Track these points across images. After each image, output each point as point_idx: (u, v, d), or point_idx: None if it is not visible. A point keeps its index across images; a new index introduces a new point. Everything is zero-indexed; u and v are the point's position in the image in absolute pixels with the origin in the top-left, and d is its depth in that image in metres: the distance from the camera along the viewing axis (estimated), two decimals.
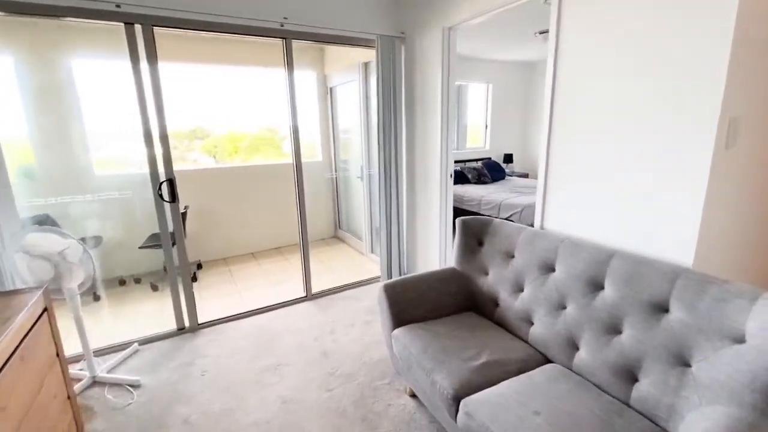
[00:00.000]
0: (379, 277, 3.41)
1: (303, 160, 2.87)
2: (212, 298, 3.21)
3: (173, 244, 2.57)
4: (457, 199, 4.69)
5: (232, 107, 4.27)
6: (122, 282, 3.58)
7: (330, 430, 1.76)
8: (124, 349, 2.43)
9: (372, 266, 3.84)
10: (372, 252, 4.07)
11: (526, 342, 1.79)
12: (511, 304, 1.89)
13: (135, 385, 2.10)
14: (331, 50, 4.29)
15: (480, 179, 5.31)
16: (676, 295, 1.34)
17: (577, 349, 1.59)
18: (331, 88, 4.46)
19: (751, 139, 1.50)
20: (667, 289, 1.36)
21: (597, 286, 1.58)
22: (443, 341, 1.72)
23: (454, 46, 2.62)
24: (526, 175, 6.33)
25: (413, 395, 1.97)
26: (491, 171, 5.48)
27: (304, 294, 3.11)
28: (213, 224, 4.14)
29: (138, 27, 2.22)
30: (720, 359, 1.18)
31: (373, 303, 2.99)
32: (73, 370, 2.18)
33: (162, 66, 2.30)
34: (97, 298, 3.26)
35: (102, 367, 2.22)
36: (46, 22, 3.01)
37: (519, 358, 1.64)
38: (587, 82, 1.74)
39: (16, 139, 3.15)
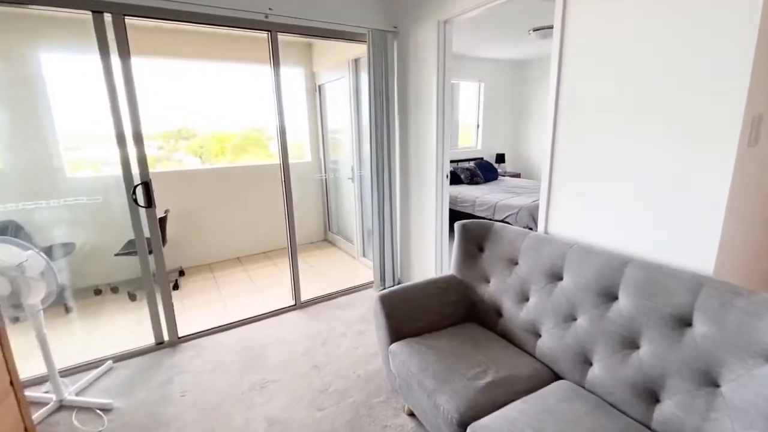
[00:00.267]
0: (371, 282, 3.27)
1: (291, 160, 2.71)
2: (195, 308, 3.02)
3: (150, 251, 2.39)
4: (451, 200, 4.56)
5: (217, 106, 4.07)
6: (98, 291, 3.36)
7: None
8: (96, 367, 2.23)
9: (364, 271, 3.69)
10: (364, 256, 3.92)
11: (533, 356, 1.67)
12: (516, 315, 1.76)
13: (107, 409, 1.92)
14: (320, 46, 4.12)
15: (473, 179, 5.20)
16: (700, 307, 1.23)
17: (590, 364, 1.47)
18: (319, 86, 4.30)
19: None
20: (689, 300, 1.26)
21: (610, 297, 1.46)
22: (445, 357, 1.59)
23: (450, 40, 2.49)
24: (518, 175, 6.26)
25: (411, 414, 1.83)
26: (484, 171, 5.38)
27: (293, 302, 2.94)
28: (197, 228, 3.93)
29: (108, 16, 2.03)
30: (754, 380, 1.07)
31: (366, 311, 2.85)
32: (38, 393, 1.98)
33: (143, 62, 2.15)
34: (68, 310, 3.04)
35: (70, 389, 2.02)
36: (9, 11, 2.79)
37: (527, 375, 1.52)
38: (596, 79, 1.63)
39: None
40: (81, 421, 1.84)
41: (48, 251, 2.96)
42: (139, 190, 2.22)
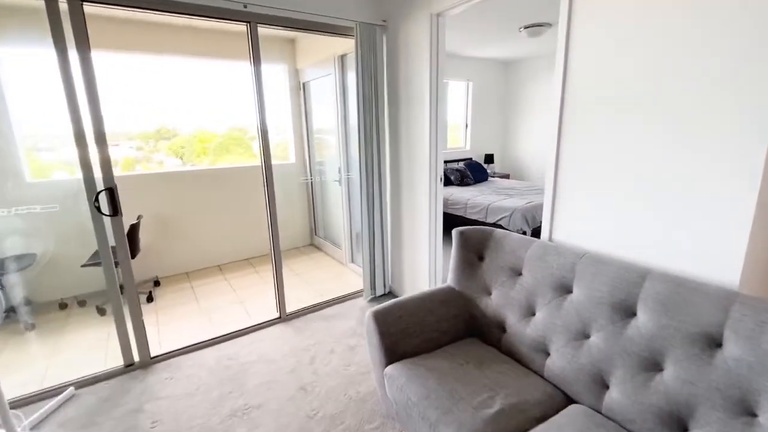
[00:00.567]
0: (361, 291, 3.10)
1: (274, 161, 2.52)
2: (170, 323, 2.79)
3: (117, 263, 2.16)
4: None
5: (198, 105, 3.84)
6: (63, 305, 3.09)
7: None
8: (56, 394, 2.00)
9: (353, 278, 3.52)
10: (352, 262, 3.75)
11: (542, 376, 1.53)
12: (522, 331, 1.63)
13: None
14: (304, 42, 3.93)
15: (463, 181, 5.09)
16: (732, 326, 1.11)
17: (607, 387, 1.34)
18: (303, 84, 4.10)
19: None
20: (719, 318, 1.14)
21: (627, 312, 1.34)
22: (447, 382, 1.44)
23: (443, 35, 2.34)
24: (507, 176, 6.19)
25: None
26: (473, 172, 5.28)
27: (277, 315, 2.75)
28: (174, 234, 3.68)
29: (63, 4, 1.80)
30: None
31: (355, 323, 2.68)
32: None
33: (115, 57, 1.91)
34: (27, 327, 2.77)
35: (24, 424, 1.79)
36: None
37: (538, 400, 1.38)
38: (606, 73, 1.50)
39: None
40: None
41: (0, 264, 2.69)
42: (103, 197, 1.99)
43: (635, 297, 1.32)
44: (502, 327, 1.72)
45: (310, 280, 3.53)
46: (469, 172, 5.21)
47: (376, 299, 3.02)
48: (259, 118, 2.42)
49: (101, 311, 2.96)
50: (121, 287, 2.19)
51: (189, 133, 4.00)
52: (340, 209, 3.74)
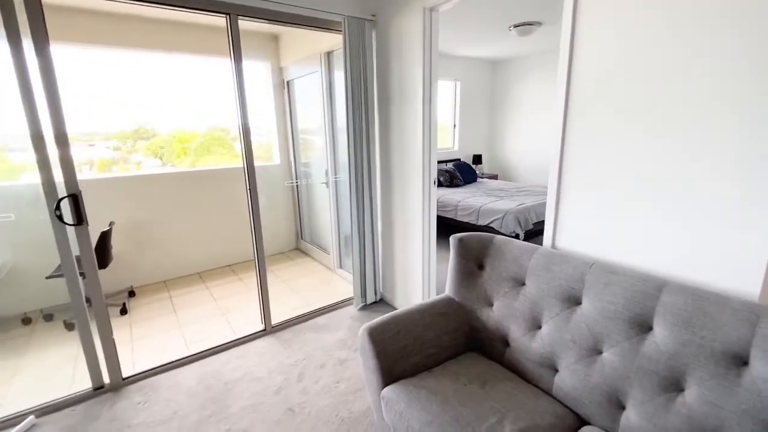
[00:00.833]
0: (351, 299, 2.96)
1: (258, 163, 2.37)
2: (146, 338, 2.59)
3: (83, 274, 1.97)
4: None
5: (177, 103, 3.62)
6: (27, 320, 2.84)
7: None
8: (14, 424, 1.79)
9: (342, 285, 3.38)
10: (341, 267, 3.61)
11: (551, 395, 1.43)
12: (527, 345, 1.52)
13: None
14: (288, 38, 3.76)
15: (452, 182, 5.00)
16: (760, 345, 1.03)
17: (623, 408, 1.25)
18: (288, 82, 3.93)
19: None
20: (745, 335, 1.05)
21: (644, 327, 1.25)
22: (451, 406, 1.32)
23: (436, 30, 2.23)
24: (495, 177, 6.14)
25: None
26: (463, 173, 5.20)
27: (262, 327, 2.59)
28: (150, 240, 3.46)
29: None
30: None
31: (346, 334, 2.54)
32: None
33: (89, 53, 1.74)
34: None
35: None
36: None
37: (549, 424, 1.28)
38: (619, 63, 1.41)
39: None
40: None
41: None
42: (66, 205, 1.80)
43: (651, 310, 1.23)
44: (505, 340, 1.62)
45: (297, 288, 3.37)
46: (459, 173, 5.13)
47: (366, 307, 2.89)
48: (241, 117, 2.26)
49: (69, 326, 2.73)
50: (89, 301, 2.00)
51: (168, 133, 3.79)
52: (328, 212, 3.59)
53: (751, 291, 1.19)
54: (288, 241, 4.38)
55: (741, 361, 1.06)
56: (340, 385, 2.02)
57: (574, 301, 1.44)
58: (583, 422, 1.33)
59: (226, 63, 2.26)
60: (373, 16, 2.54)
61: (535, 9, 3.37)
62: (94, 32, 2.93)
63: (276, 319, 2.66)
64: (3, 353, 2.46)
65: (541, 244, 1.73)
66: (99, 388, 2.04)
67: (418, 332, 1.60)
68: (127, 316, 2.92)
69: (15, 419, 1.83)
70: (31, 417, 1.84)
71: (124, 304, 3.01)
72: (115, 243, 3.13)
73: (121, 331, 2.68)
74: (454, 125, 6.02)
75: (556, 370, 1.43)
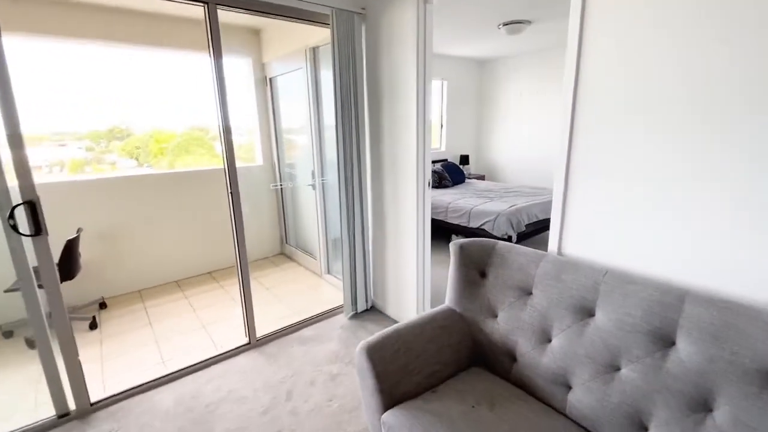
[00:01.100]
0: (341, 307, 2.82)
1: (239, 164, 2.20)
2: (118, 356, 2.39)
3: (41, 286, 1.76)
4: None
5: (154, 101, 3.39)
6: None
7: None
8: None
9: (331, 291, 3.23)
10: (329, 273, 3.46)
11: (564, 414, 1.33)
12: (536, 360, 1.42)
13: None
14: (270, 33, 3.58)
15: (441, 183, 4.92)
16: None
17: (646, 430, 1.16)
18: (270, 79, 3.75)
19: None
20: None
21: (666, 341, 1.16)
22: (459, 430, 1.20)
23: (431, 24, 2.11)
24: (482, 177, 6.10)
25: None
26: (451, 173, 5.12)
27: (246, 340, 2.41)
28: (123, 247, 3.22)
29: None
30: None
31: (337, 345, 2.40)
32: None
33: (56, 45, 1.56)
34: None
35: None
36: None
37: None
38: (634, 52, 1.32)
39: None
40: None
41: None
42: (21, 212, 1.60)
43: (674, 323, 1.15)
44: (511, 355, 1.51)
45: (283, 296, 3.20)
46: (447, 173, 5.05)
47: (357, 316, 2.76)
48: (221, 115, 2.08)
49: (30, 344, 2.49)
50: (50, 316, 1.79)
51: (145, 132, 3.55)
52: (314, 215, 3.44)
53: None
54: (272, 245, 4.20)
55: None
56: (333, 404, 1.88)
57: (587, 313, 1.35)
58: None
59: (205, 59, 2.09)
60: (363, 9, 2.41)
61: (525, 7, 3.30)
62: (61, 23, 2.69)
63: (261, 330, 2.49)
64: None
65: (534, 246, 1.65)
66: (64, 416, 1.83)
67: (419, 348, 1.48)
68: (97, 330, 2.69)
69: None
70: None
71: (93, 317, 2.77)
72: (85, 251, 2.90)
73: (90, 348, 2.46)
74: (442, 125, 5.94)
75: (570, 388, 1.33)
